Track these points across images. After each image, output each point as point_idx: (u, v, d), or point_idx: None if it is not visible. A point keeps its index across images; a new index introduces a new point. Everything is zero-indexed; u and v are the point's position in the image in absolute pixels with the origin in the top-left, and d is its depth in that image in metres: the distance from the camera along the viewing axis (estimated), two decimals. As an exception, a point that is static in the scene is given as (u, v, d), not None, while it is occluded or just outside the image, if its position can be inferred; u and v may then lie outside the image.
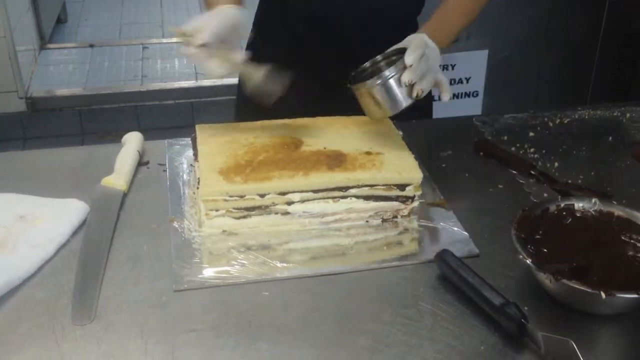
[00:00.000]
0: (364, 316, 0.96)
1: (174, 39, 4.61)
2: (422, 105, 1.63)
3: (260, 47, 1.42)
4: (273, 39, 1.50)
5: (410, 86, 1.18)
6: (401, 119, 1.35)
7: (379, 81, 1.18)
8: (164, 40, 4.24)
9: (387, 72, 1.19)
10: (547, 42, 2.71)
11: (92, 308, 0.96)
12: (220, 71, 1.17)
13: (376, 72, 1.24)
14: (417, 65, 1.17)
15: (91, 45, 4.45)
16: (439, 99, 1.29)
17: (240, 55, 1.20)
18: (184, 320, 0.95)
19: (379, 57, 1.27)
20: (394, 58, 1.24)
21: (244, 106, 1.63)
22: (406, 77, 1.17)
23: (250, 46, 1.49)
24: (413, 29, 1.44)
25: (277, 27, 1.51)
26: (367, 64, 1.28)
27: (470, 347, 0.91)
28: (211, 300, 0.98)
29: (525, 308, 0.94)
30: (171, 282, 1.01)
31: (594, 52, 2.80)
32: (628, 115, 1.53)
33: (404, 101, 1.20)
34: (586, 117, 1.53)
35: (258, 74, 1.18)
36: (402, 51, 1.20)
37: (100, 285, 1.00)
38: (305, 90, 1.37)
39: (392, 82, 1.18)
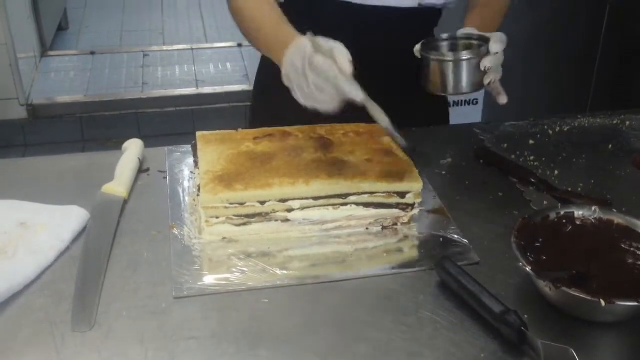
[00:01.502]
0: (364, 324, 0.96)
1: (175, 47, 4.62)
2: (440, 112, 1.64)
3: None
4: None
5: (484, 72, 1.24)
6: (418, 124, 1.36)
7: (459, 58, 1.24)
8: (165, 48, 4.25)
9: (467, 54, 1.24)
10: (547, 50, 2.71)
11: (92, 315, 0.96)
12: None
13: (446, 49, 1.31)
14: (501, 55, 1.25)
15: (92, 53, 4.46)
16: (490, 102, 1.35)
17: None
18: (184, 328, 0.95)
19: (444, 35, 1.34)
20: (469, 42, 1.30)
21: (258, 112, 1.63)
22: (489, 62, 1.24)
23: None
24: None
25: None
26: (443, 36, 1.33)
27: (470, 355, 0.91)
28: (211, 308, 0.98)
29: (525, 316, 0.94)
30: (171, 289, 1.01)
31: (594, 60, 2.80)
32: (628, 123, 1.53)
33: (467, 87, 1.26)
34: (586, 125, 1.54)
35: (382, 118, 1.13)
36: (473, 38, 1.29)
37: (100, 292, 1.00)
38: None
39: (466, 64, 1.24)
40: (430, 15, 1.50)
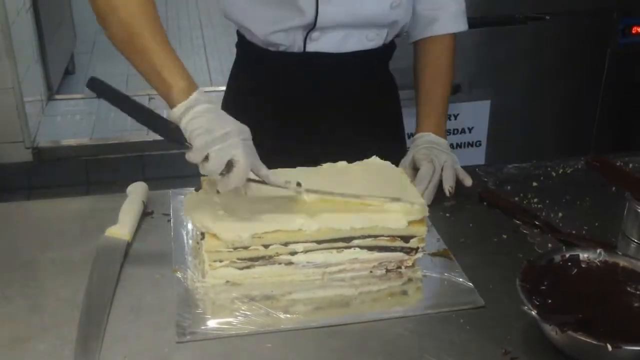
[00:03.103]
0: (368, 368, 0.95)
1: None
2: (396, 148, 1.64)
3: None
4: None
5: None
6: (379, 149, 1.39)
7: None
8: (170, 91, 4.27)
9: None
10: (549, 92, 2.73)
11: (94, 360, 0.95)
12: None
13: None
14: (431, 195, 1.33)
15: (98, 97, 4.50)
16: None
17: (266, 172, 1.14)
18: (187, 373, 0.94)
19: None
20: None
21: None
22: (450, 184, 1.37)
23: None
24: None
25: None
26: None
27: (476, 400, 0.90)
28: (214, 352, 0.98)
29: (531, 360, 0.93)
30: (174, 334, 1.00)
31: (596, 102, 2.81)
32: (631, 165, 1.53)
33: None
34: (589, 167, 1.54)
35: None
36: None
37: (102, 337, 0.99)
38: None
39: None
40: (390, 50, 1.54)
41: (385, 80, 1.60)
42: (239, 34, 1.52)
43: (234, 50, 1.57)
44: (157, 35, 1.18)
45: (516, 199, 1.39)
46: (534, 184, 1.45)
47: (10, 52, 3.55)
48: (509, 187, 1.43)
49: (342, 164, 1.29)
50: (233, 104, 1.53)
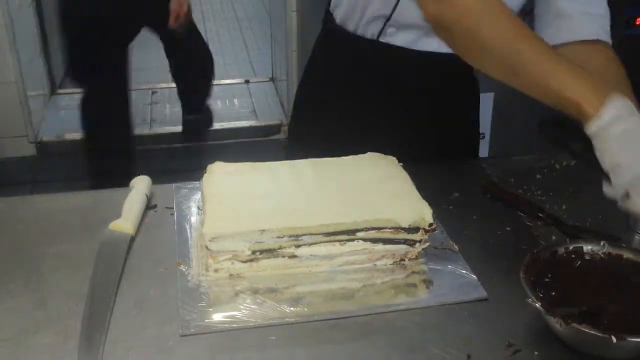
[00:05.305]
0: (372, 361, 0.95)
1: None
2: (472, 144, 1.63)
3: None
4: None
5: None
6: (447, 155, 1.40)
7: None
8: (173, 85, 4.28)
9: None
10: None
11: (98, 354, 0.95)
12: None
13: None
14: None
15: (101, 90, 4.49)
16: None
17: None
18: (191, 366, 0.94)
19: None
20: None
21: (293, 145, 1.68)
22: None
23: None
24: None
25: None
26: None
27: (480, 392, 0.90)
28: (218, 345, 0.98)
29: (535, 353, 0.93)
30: (178, 327, 1.00)
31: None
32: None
33: None
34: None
35: None
36: None
37: (106, 331, 1.00)
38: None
39: None
40: None
41: (466, 84, 1.53)
42: (327, 13, 1.51)
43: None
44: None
45: (520, 191, 1.39)
46: (538, 176, 1.45)
47: (13, 46, 3.55)
48: (512, 180, 1.43)
49: (345, 158, 1.29)
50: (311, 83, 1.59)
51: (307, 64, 1.64)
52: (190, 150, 4.00)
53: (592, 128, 0.99)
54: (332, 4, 1.50)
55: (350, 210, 1.13)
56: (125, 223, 1.21)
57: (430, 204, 1.15)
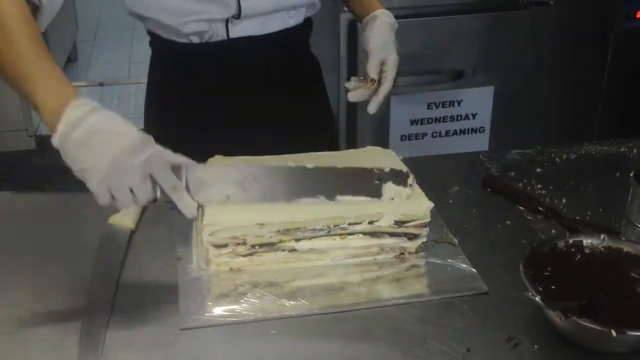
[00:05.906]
0: (372, 355, 0.95)
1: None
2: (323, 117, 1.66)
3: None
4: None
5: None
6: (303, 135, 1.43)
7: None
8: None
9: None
10: (553, 78, 2.71)
11: (98, 347, 0.95)
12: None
13: None
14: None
15: (101, 84, 4.49)
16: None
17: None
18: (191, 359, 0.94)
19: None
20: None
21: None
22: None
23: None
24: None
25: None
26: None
27: (479, 386, 0.90)
28: (218, 339, 0.98)
29: (535, 346, 0.93)
30: (178, 321, 1.00)
31: (601, 87, 2.80)
32: (635, 151, 1.53)
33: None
34: (593, 152, 1.53)
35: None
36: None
37: (107, 324, 1.00)
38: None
39: None
40: (309, 25, 1.51)
41: (309, 58, 1.58)
42: (151, 33, 1.46)
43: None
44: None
45: (520, 185, 1.39)
46: (538, 170, 1.45)
47: (13, 40, 3.54)
48: (512, 173, 1.43)
49: (339, 152, 1.30)
50: (157, 99, 1.58)
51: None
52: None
53: (55, 143, 1.05)
54: (149, 24, 1.44)
55: (349, 203, 1.13)
56: (125, 217, 1.21)
57: (430, 198, 1.15)
